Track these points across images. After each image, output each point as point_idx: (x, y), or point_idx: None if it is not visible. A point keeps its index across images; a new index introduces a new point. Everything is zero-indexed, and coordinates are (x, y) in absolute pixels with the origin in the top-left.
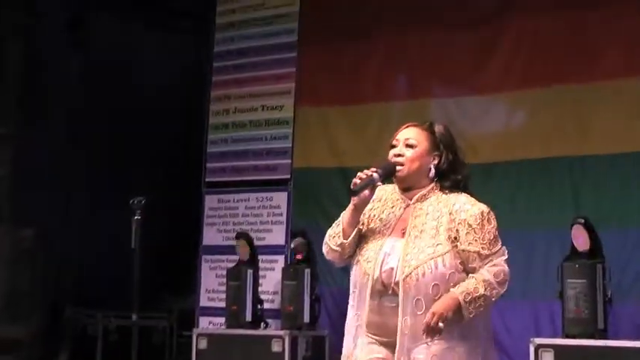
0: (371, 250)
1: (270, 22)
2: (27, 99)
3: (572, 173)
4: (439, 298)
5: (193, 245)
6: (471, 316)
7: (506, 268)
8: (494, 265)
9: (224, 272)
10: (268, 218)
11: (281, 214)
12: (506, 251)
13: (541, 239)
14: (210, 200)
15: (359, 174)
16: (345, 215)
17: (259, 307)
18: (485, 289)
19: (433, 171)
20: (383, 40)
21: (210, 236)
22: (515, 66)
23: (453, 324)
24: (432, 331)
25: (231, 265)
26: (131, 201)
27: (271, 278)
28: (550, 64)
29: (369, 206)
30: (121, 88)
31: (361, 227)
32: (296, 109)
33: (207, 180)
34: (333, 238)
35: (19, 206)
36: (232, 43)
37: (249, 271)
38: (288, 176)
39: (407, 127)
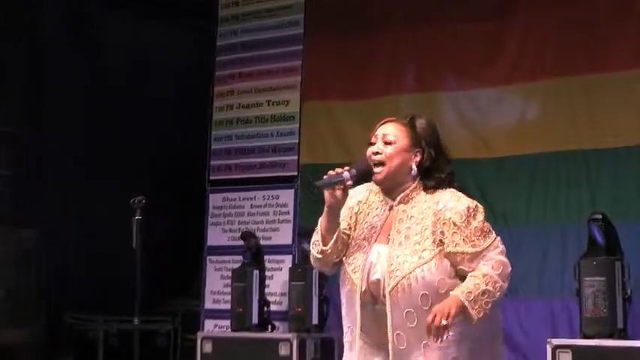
0: (357, 259)
1: (275, 13)
2: (30, 98)
3: (588, 167)
4: (430, 308)
5: (197, 246)
6: (480, 315)
7: (504, 259)
8: (489, 259)
9: (229, 273)
10: (275, 217)
11: (288, 213)
12: (501, 243)
13: (557, 235)
14: (214, 199)
15: (330, 172)
16: (322, 220)
17: (266, 309)
18: (487, 284)
19: (415, 169)
20: (391, 32)
21: (215, 236)
22: (527, 57)
23: (459, 329)
24: (437, 331)
25: (236, 265)
26: (132, 200)
27: (278, 279)
28: (562, 55)
29: (355, 209)
30: (122, 85)
31: (347, 232)
32: (302, 104)
33: (211, 178)
34: (315, 247)
35: (20, 207)
36: (236, 36)
37: (255, 272)
38: (295, 173)
39: (385, 122)
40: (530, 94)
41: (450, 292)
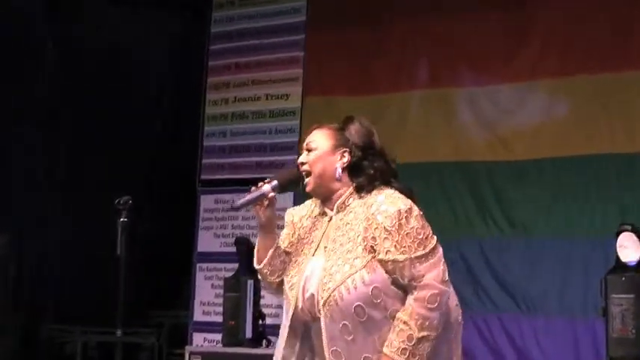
0: (294, 276)
1: None
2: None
3: (618, 173)
4: (367, 320)
5: (186, 252)
6: None
7: (436, 284)
8: (423, 286)
9: (221, 282)
10: None
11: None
12: (439, 252)
13: (582, 248)
14: (206, 201)
15: (252, 187)
16: (257, 240)
17: (261, 322)
18: (422, 329)
19: (339, 170)
20: (402, 21)
21: (206, 241)
22: (552, 50)
23: None
24: None
25: (229, 274)
26: (116, 201)
27: None
28: (592, 49)
29: (298, 224)
30: (104, 75)
31: (289, 250)
32: (304, 99)
33: (202, 178)
34: (257, 269)
35: None
36: (231, 23)
37: (250, 282)
38: None
39: (311, 129)
40: (555, 91)
41: (384, 349)
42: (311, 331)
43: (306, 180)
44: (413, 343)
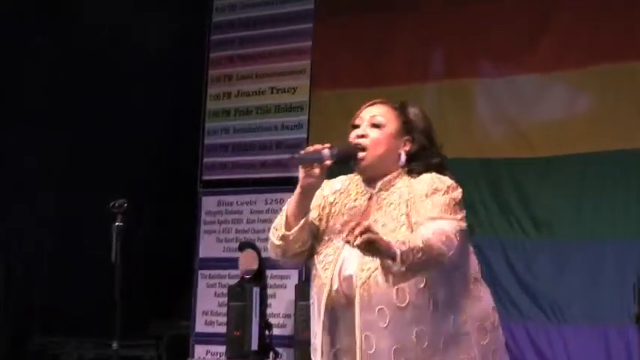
0: (329, 255)
1: None
2: None
3: None
4: (407, 306)
5: (187, 258)
6: (403, 269)
7: (450, 232)
8: (437, 225)
9: (225, 290)
10: None
11: None
12: (464, 226)
13: (612, 251)
14: (207, 203)
15: (308, 147)
16: (290, 202)
17: (267, 332)
18: (424, 243)
19: (403, 157)
20: (416, 9)
21: (208, 247)
22: (578, 38)
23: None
24: (353, 237)
25: (233, 281)
26: (111, 204)
27: (282, 298)
28: (622, 35)
29: (330, 198)
30: (98, 68)
31: (317, 223)
32: (312, 92)
33: (204, 178)
34: (275, 231)
35: None
36: (234, 11)
37: (256, 290)
38: None
39: (373, 104)
40: (581, 81)
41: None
42: (345, 313)
43: (361, 154)
44: (413, 246)
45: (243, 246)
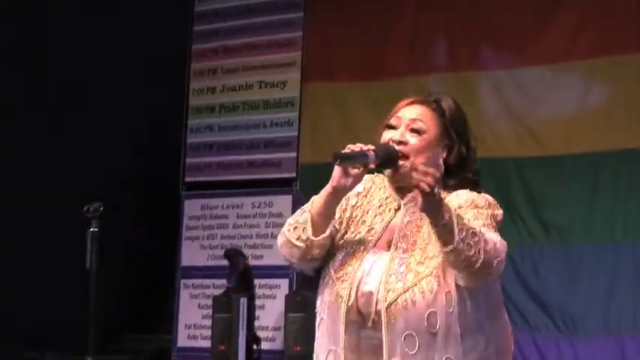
0: (348, 266)
1: None
2: None
3: None
4: (439, 331)
5: (168, 266)
6: (454, 244)
7: (500, 242)
8: (487, 234)
9: (209, 301)
10: (267, 230)
11: (283, 225)
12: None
13: (628, 256)
14: (190, 206)
15: (350, 145)
16: (318, 201)
17: (255, 347)
18: (481, 233)
19: (442, 167)
20: None
21: (191, 254)
22: (590, 26)
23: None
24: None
25: (218, 291)
26: (85, 208)
27: (271, 309)
28: (635, 24)
29: (352, 201)
30: (71, 60)
31: (337, 226)
32: (303, 87)
33: (186, 180)
34: (295, 230)
35: None
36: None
37: (243, 300)
38: (294, 174)
39: (411, 103)
40: (592, 74)
41: None
42: (359, 332)
43: (402, 162)
44: (469, 226)
45: (230, 254)
